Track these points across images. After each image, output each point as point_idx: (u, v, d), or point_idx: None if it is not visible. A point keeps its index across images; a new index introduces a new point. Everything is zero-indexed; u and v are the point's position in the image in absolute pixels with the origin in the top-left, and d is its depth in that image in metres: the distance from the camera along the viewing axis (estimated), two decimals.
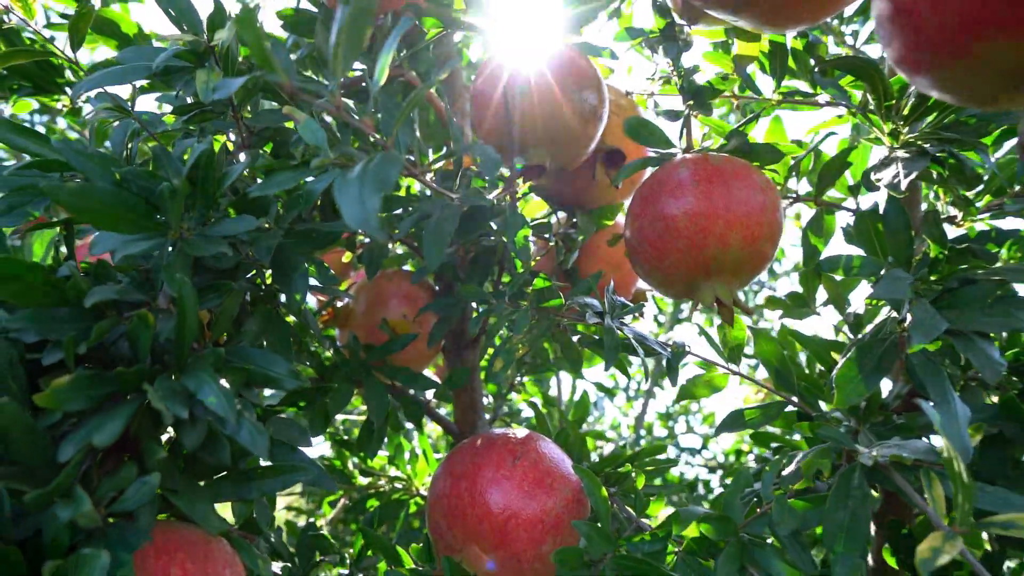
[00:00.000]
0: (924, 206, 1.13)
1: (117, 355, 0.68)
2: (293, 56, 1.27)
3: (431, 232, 0.75)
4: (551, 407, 1.49)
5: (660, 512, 1.07)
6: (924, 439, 0.78)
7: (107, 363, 0.68)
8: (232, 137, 0.94)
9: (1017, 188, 0.89)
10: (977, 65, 0.48)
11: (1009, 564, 1.25)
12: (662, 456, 1.06)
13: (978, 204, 0.97)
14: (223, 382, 0.63)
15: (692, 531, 0.84)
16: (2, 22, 0.99)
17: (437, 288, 1.26)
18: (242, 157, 0.91)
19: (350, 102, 1.10)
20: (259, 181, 0.69)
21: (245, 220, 0.70)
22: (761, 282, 3.78)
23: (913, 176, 0.77)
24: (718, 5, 0.81)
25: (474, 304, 1.15)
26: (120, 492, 0.61)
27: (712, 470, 3.20)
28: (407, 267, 1.45)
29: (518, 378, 1.48)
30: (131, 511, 0.60)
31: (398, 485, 1.39)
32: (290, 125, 0.90)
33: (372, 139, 0.56)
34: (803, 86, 1.09)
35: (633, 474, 0.97)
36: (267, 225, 0.77)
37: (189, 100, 0.83)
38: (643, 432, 3.19)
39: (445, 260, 1.12)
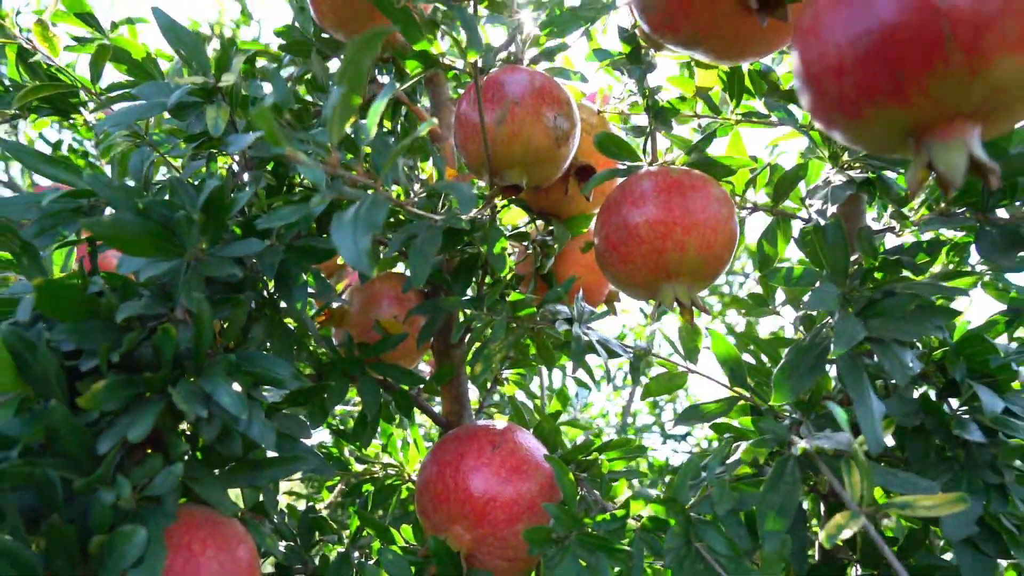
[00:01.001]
0: (873, 215, 1.23)
1: (140, 360, 0.78)
2: (286, 72, 1.37)
3: (416, 252, 0.85)
4: (533, 399, 1.60)
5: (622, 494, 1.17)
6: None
7: (131, 367, 0.78)
8: (236, 158, 1.04)
9: (942, 204, 0.99)
10: (872, 124, 0.58)
11: None
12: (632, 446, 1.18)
13: (912, 217, 1.07)
14: (235, 385, 0.74)
15: (649, 510, 0.95)
16: (27, 54, 1.07)
17: (425, 291, 1.36)
18: (245, 177, 1.01)
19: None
20: (264, 214, 0.78)
21: (252, 243, 0.80)
22: (747, 273, 3.88)
23: (836, 207, 0.87)
24: (673, 42, 0.91)
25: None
26: (148, 480, 0.72)
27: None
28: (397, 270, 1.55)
29: (503, 372, 1.58)
30: (158, 496, 0.71)
31: (391, 471, 1.50)
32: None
33: (364, 185, 0.66)
34: (759, 106, 1.19)
35: (599, 461, 1.08)
36: (269, 243, 0.87)
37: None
38: (630, 419, 3.30)
39: (432, 268, 1.22)
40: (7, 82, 1.26)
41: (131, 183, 0.93)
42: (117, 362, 0.73)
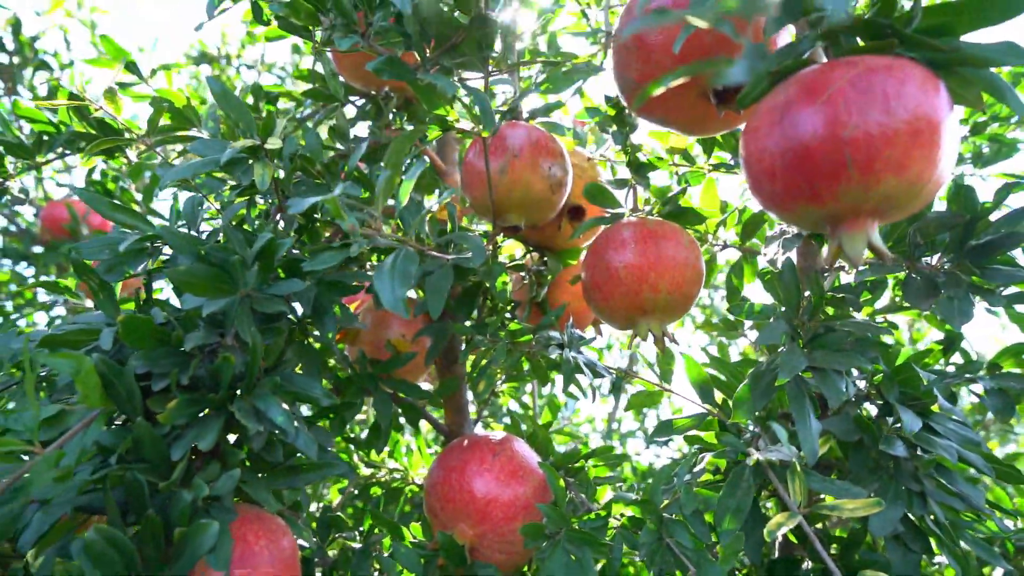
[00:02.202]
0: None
1: (200, 381, 0.93)
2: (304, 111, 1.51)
3: (432, 287, 1.00)
4: (526, 409, 1.75)
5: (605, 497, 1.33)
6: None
7: (193, 388, 0.92)
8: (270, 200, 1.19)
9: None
10: (797, 215, 0.74)
11: None
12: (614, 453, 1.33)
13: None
14: (283, 404, 0.89)
15: (628, 511, 1.11)
16: (90, 111, 1.22)
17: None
18: (278, 217, 1.16)
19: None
20: (306, 259, 0.93)
21: (295, 283, 0.95)
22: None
23: (787, 255, 1.03)
24: (648, 120, 1.07)
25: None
26: (210, 482, 0.87)
27: (677, 463, 3.48)
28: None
29: (499, 384, 1.73)
30: (219, 495, 0.86)
31: (396, 475, 1.65)
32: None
33: (395, 239, 0.81)
34: (729, 156, 1.35)
35: (586, 468, 1.23)
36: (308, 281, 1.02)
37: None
38: (615, 425, 3.46)
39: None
40: (54, 119, 1.40)
41: (182, 224, 1.07)
42: (183, 384, 0.88)
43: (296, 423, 0.88)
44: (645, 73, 0.94)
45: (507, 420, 1.72)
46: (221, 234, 1.00)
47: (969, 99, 0.71)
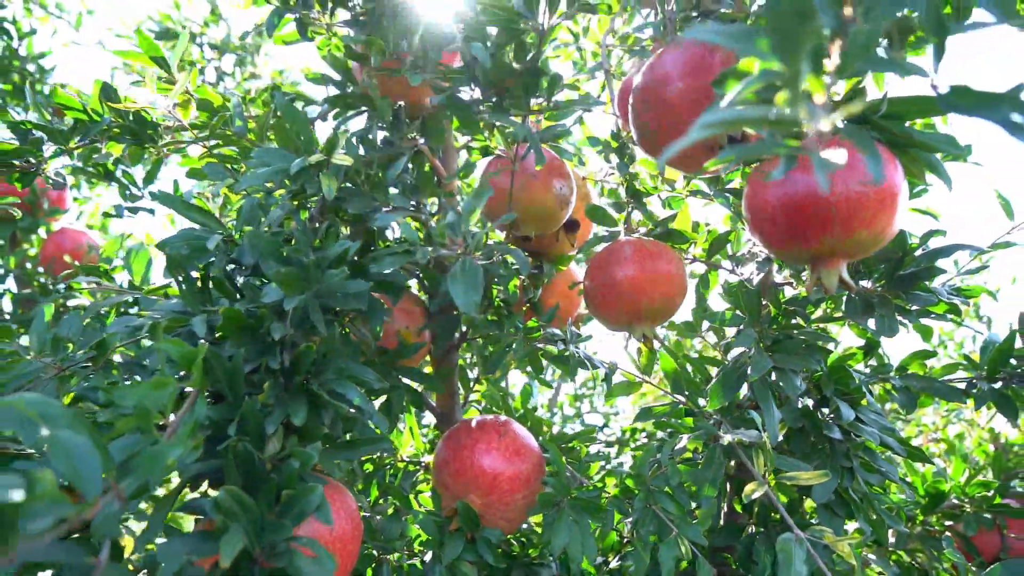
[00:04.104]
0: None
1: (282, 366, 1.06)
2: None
3: (458, 280, 1.17)
4: (503, 394, 1.94)
5: (595, 471, 1.54)
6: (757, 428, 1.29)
7: (273, 372, 1.05)
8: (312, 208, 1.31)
9: None
10: (789, 252, 0.97)
11: None
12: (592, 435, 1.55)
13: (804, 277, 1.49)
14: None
15: (618, 483, 1.32)
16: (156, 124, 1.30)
17: (430, 308, 1.67)
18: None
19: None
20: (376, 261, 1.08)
21: (360, 283, 1.09)
22: None
23: (761, 276, 1.27)
24: (652, 157, 1.27)
25: (463, 325, 1.58)
26: (289, 457, 1.01)
27: (610, 444, 3.77)
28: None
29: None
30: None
31: (385, 452, 1.80)
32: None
33: (457, 252, 0.98)
34: (704, 185, 1.59)
35: (578, 447, 1.44)
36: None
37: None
38: (556, 411, 3.70)
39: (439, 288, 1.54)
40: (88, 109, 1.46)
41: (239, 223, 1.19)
42: (272, 367, 1.01)
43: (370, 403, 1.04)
44: (662, 124, 1.14)
45: (483, 405, 1.90)
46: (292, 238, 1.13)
47: (915, 173, 0.95)
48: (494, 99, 1.11)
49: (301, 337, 1.10)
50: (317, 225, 1.28)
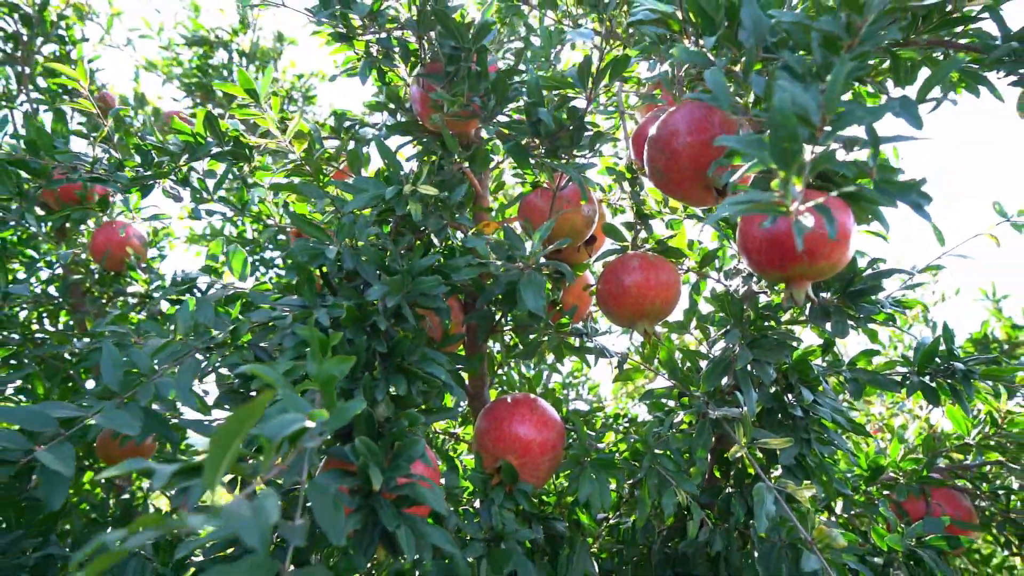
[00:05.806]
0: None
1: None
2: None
3: (528, 288, 1.49)
4: (524, 376, 2.28)
5: (608, 440, 1.88)
6: (737, 407, 1.64)
7: (375, 354, 1.37)
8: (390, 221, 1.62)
9: None
10: (770, 276, 1.31)
11: None
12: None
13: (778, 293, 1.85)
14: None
15: (628, 447, 1.66)
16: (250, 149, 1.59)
17: (465, 303, 1.99)
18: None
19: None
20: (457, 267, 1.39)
21: (442, 287, 1.41)
22: None
23: (745, 288, 1.62)
24: (663, 192, 1.61)
25: (498, 317, 1.90)
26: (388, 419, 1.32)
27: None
28: None
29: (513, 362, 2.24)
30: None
31: None
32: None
33: (529, 269, 1.30)
34: (699, 210, 1.93)
35: (594, 419, 1.78)
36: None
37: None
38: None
39: (485, 290, 1.86)
40: (193, 133, 1.74)
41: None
42: (379, 351, 1.33)
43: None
44: (670, 167, 1.48)
45: (505, 387, 2.24)
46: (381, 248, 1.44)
47: (862, 220, 1.30)
48: (546, 147, 1.44)
49: (392, 328, 1.41)
50: (397, 237, 1.59)
